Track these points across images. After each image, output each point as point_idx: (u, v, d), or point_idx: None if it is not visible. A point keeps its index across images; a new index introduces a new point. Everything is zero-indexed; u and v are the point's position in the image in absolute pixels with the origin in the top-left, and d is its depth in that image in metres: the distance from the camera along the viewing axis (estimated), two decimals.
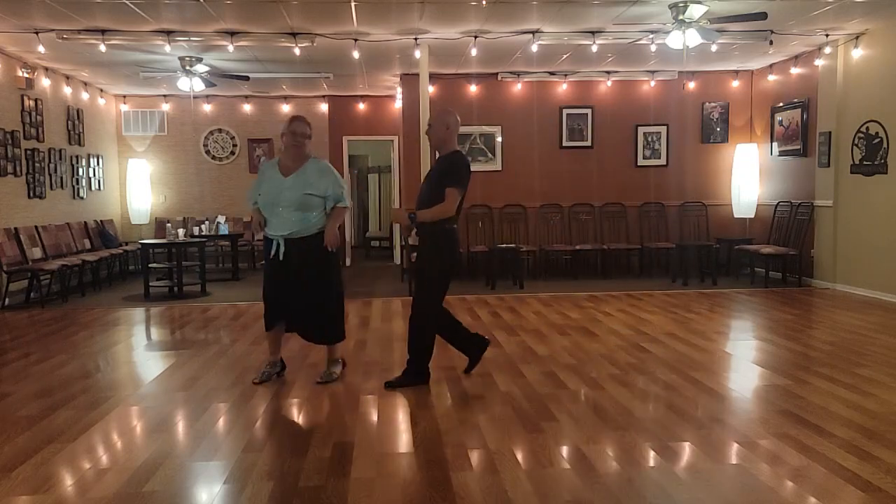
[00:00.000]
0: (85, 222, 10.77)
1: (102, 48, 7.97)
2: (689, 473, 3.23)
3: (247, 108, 12.44)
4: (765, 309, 7.72)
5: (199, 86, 9.46)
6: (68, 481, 3.24)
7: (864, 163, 8.36)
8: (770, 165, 10.37)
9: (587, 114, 10.81)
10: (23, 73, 9.04)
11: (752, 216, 10.71)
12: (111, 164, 12.17)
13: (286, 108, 12.46)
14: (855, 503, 2.91)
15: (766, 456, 3.40)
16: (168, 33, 7.83)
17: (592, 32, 8.11)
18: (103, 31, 7.72)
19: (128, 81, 10.96)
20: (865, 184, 8.39)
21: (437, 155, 4.85)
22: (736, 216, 10.84)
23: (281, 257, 4.71)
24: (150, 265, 9.54)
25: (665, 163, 10.92)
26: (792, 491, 3.03)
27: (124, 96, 12.31)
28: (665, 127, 10.89)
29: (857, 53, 8.44)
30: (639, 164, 10.91)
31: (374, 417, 4.12)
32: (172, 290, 9.23)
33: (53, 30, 7.64)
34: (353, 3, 6.85)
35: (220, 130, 12.56)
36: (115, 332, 6.94)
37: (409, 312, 4.82)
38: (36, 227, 9.21)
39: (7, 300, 8.42)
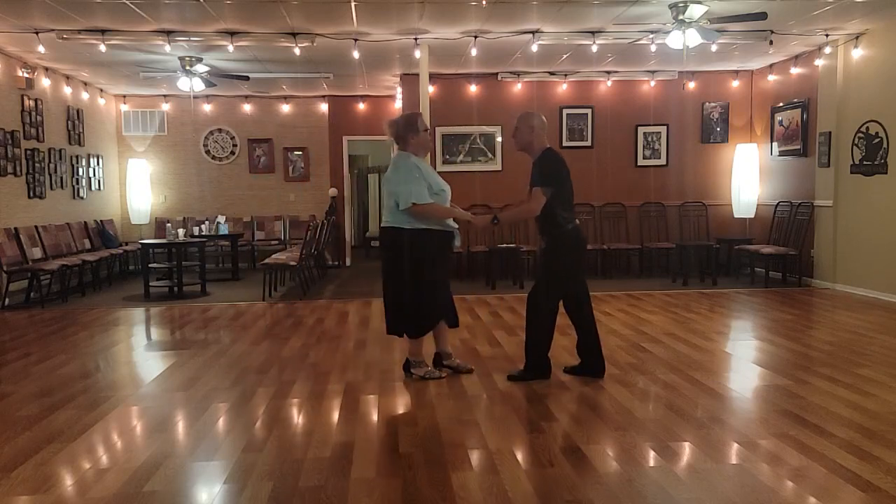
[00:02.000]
0: (85, 222, 10.77)
1: (102, 48, 7.97)
2: (689, 473, 3.23)
3: (247, 108, 12.45)
4: (765, 309, 7.72)
5: (199, 86, 9.45)
6: (68, 481, 3.24)
7: (864, 163, 8.36)
8: (770, 165, 10.37)
9: (587, 114, 10.81)
10: (23, 73, 9.04)
11: (752, 216, 10.71)
12: (111, 164, 12.17)
13: (286, 108, 12.47)
14: (855, 503, 2.92)
15: (766, 456, 3.40)
16: (168, 33, 7.83)
17: (592, 32, 8.11)
18: (103, 31, 7.72)
19: (128, 81, 10.96)
20: (865, 184, 8.38)
21: (529, 157, 5.06)
22: (736, 216, 10.84)
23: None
24: (150, 265, 9.54)
25: (665, 163, 10.92)
26: (792, 491, 3.04)
27: (124, 96, 12.31)
28: (665, 127, 10.88)
29: (857, 53, 8.44)
30: (639, 164, 10.91)
31: (374, 417, 4.12)
32: (172, 290, 9.23)
33: (53, 30, 7.64)
34: (353, 3, 6.85)
35: (220, 130, 12.56)
36: (115, 332, 6.94)
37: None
38: (36, 227, 9.21)
39: (7, 300, 8.42)
